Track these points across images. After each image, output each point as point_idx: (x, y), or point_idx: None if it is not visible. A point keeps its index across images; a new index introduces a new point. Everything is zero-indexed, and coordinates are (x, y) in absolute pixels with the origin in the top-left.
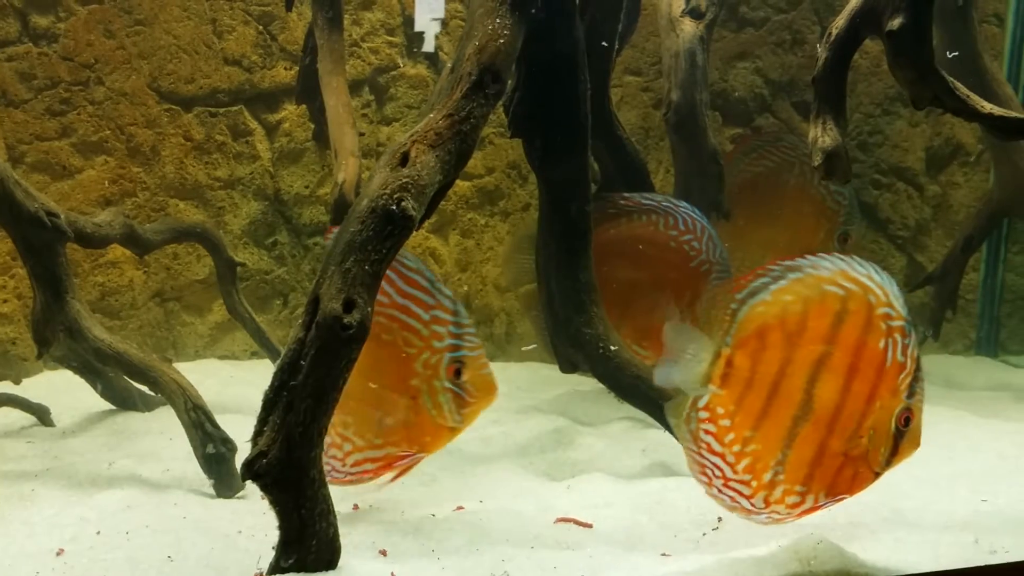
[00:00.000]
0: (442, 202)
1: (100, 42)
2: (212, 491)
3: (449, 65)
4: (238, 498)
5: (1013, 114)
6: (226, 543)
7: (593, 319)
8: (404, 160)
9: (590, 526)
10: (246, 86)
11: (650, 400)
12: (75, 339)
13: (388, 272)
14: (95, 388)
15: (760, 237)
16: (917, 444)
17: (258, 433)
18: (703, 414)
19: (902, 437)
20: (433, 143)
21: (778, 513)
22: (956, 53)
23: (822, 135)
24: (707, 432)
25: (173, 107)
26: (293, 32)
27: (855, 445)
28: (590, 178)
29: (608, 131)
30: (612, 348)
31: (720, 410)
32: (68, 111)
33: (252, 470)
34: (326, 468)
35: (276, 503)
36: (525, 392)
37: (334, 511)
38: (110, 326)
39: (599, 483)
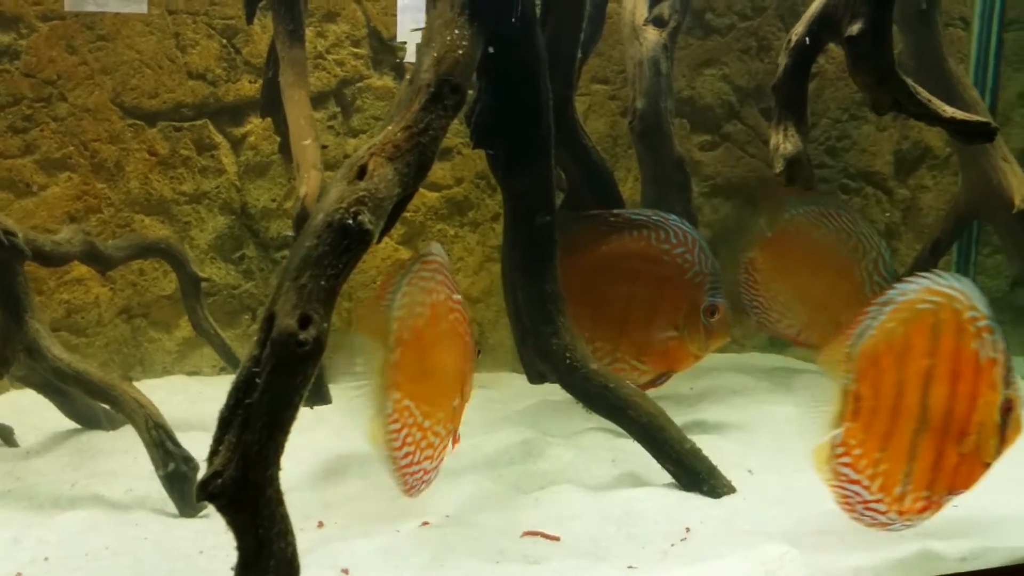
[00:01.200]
0: (411, 213)
1: (62, 58)
2: (175, 511)
3: (408, 77)
4: (201, 517)
5: (974, 118)
6: (187, 564)
7: (560, 329)
8: (361, 173)
9: (557, 539)
10: (210, 100)
11: (617, 410)
12: (34, 359)
13: (671, 230)
14: (59, 408)
15: (796, 289)
16: (1020, 429)
17: (214, 452)
18: (840, 450)
19: (1008, 425)
20: (391, 156)
21: (909, 519)
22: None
23: (783, 142)
24: (844, 464)
25: (137, 122)
26: (257, 45)
27: (967, 443)
28: (554, 188)
29: (573, 140)
30: (579, 358)
31: (852, 441)
32: (31, 128)
33: (207, 490)
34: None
35: (233, 524)
36: (497, 403)
37: (292, 530)
38: (76, 344)
39: (567, 495)
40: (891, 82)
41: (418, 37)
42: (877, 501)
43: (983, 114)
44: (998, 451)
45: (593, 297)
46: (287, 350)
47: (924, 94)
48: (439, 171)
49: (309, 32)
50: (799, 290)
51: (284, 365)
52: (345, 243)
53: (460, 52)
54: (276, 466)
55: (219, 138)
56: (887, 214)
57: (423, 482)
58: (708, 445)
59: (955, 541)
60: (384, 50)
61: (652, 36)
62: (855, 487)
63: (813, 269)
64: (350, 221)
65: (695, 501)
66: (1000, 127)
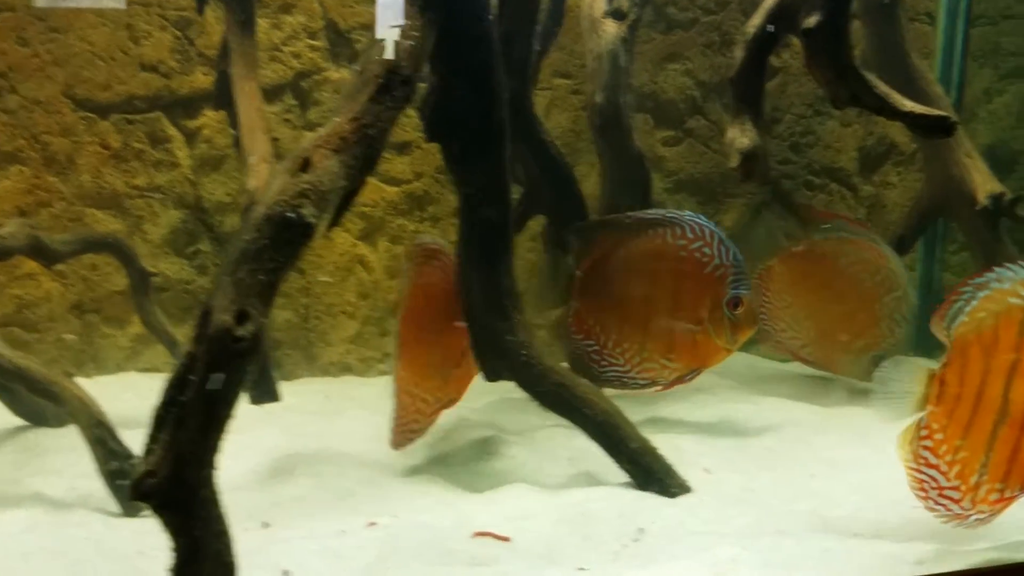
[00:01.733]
0: (369, 208)
1: (13, 50)
2: (118, 510)
3: (357, 68)
4: (143, 517)
5: (933, 112)
6: (125, 565)
7: (515, 326)
8: (305, 166)
9: (508, 540)
10: (164, 92)
11: (572, 408)
12: None
13: (687, 225)
14: (6, 404)
15: (809, 307)
16: None
17: (147, 451)
18: (923, 432)
19: None
20: (337, 148)
21: (983, 512)
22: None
23: (740, 136)
24: (925, 448)
25: (89, 115)
26: (211, 36)
27: None
28: (509, 183)
29: (531, 135)
30: (534, 355)
31: (935, 426)
32: None
33: (139, 490)
34: (616, 376)
35: (167, 524)
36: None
37: (229, 531)
38: (27, 340)
39: (521, 494)
40: (849, 76)
41: (396, 34)
42: (954, 488)
43: (946, 109)
44: None
45: (616, 301)
46: (223, 347)
47: (883, 88)
48: (398, 165)
49: (264, 24)
50: (812, 308)
51: (220, 362)
52: (286, 236)
53: (410, 43)
54: (211, 466)
55: (173, 131)
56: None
57: (408, 440)
58: (666, 443)
59: (913, 544)
60: (341, 42)
61: (611, 29)
62: (933, 472)
63: (831, 292)
64: (291, 214)
65: (650, 501)
66: (966, 123)
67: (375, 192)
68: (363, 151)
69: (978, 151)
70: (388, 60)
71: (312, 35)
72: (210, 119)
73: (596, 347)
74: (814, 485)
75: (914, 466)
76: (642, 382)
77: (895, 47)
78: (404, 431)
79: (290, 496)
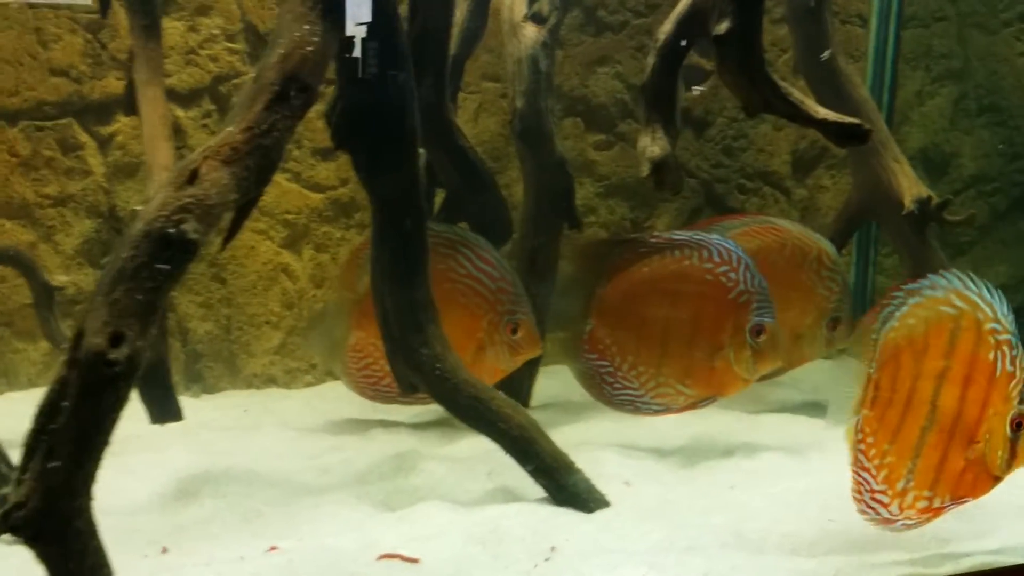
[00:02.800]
0: (294, 216)
1: None
2: (8, 537)
3: (252, 75)
4: None
5: (846, 119)
6: None
7: (430, 339)
8: (192, 178)
9: (416, 561)
10: (75, 98)
11: (487, 422)
12: None
13: (714, 249)
14: None
15: None
16: None
17: (18, 481)
18: (858, 435)
19: (1019, 441)
20: (228, 159)
21: (910, 519)
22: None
23: (651, 144)
24: (860, 451)
25: None
26: (124, 40)
27: (973, 450)
28: (422, 191)
29: (448, 141)
30: (449, 369)
31: (867, 429)
32: None
33: (8, 522)
34: (629, 400)
35: (41, 557)
36: (381, 412)
37: (108, 563)
38: None
39: (434, 512)
40: (761, 82)
41: (363, 33)
42: (881, 492)
43: (873, 113)
44: (1008, 466)
45: (635, 322)
46: (95, 371)
47: (796, 94)
48: (323, 171)
49: (180, 26)
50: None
51: (92, 387)
52: (166, 254)
53: (309, 49)
54: (87, 495)
55: (85, 138)
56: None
57: (372, 397)
58: (588, 456)
59: (828, 558)
60: (261, 45)
61: (531, 33)
62: (865, 474)
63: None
64: (171, 230)
65: (565, 517)
66: (898, 126)
67: (299, 199)
68: (257, 162)
69: (911, 154)
70: (284, 66)
71: (230, 38)
72: (124, 125)
73: (610, 368)
74: (733, 496)
75: (853, 467)
76: (656, 407)
77: (822, 50)
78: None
79: (194, 519)
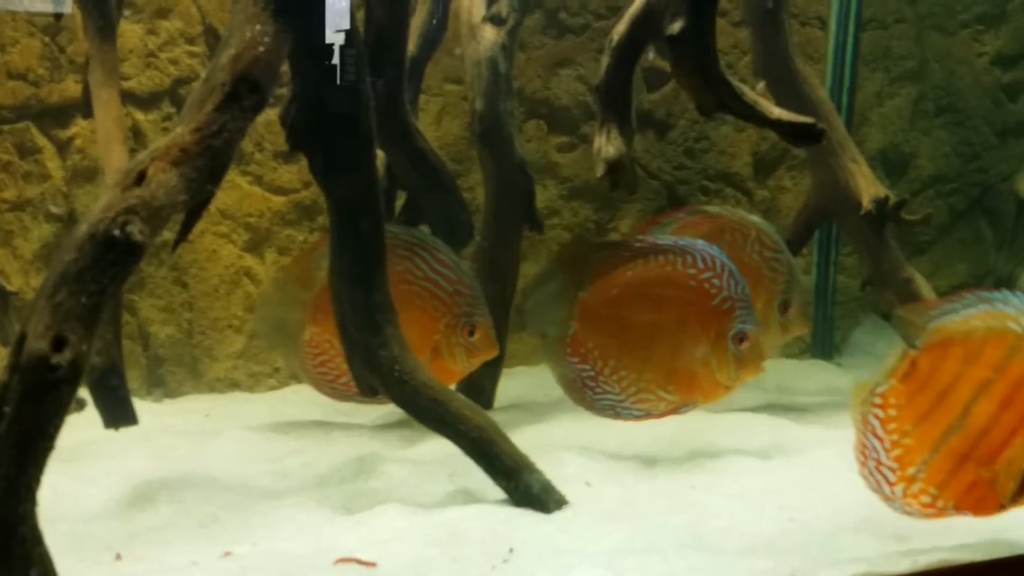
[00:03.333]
0: (256, 219)
1: None
2: None
3: (203, 75)
4: None
5: (800, 119)
6: None
7: (388, 340)
8: (140, 179)
9: (374, 565)
10: (32, 101)
11: (447, 424)
12: None
13: (698, 255)
14: None
15: None
16: None
17: None
18: (877, 400)
19: None
20: (177, 160)
21: (909, 507)
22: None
23: (606, 145)
24: (875, 416)
25: None
26: (83, 43)
27: (988, 470)
28: (380, 192)
29: (407, 143)
30: (408, 370)
31: (892, 400)
32: None
33: None
34: (610, 405)
35: None
36: (343, 415)
37: (54, 571)
38: None
39: (394, 515)
40: (715, 83)
41: (341, 39)
42: (890, 468)
43: (829, 114)
44: (1015, 500)
45: (618, 326)
46: (37, 376)
47: (751, 95)
48: (285, 174)
49: (139, 29)
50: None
51: (34, 393)
52: (110, 256)
53: (261, 49)
54: (30, 502)
55: (43, 141)
56: None
57: (329, 394)
58: (549, 457)
59: (786, 557)
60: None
61: (490, 35)
62: (876, 442)
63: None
64: (116, 232)
65: (525, 518)
66: (857, 127)
67: (261, 202)
68: (207, 163)
69: (870, 155)
70: (235, 66)
71: (190, 40)
72: (83, 129)
73: (592, 373)
74: (693, 496)
75: (861, 428)
76: (636, 412)
77: (780, 52)
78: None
79: (149, 525)
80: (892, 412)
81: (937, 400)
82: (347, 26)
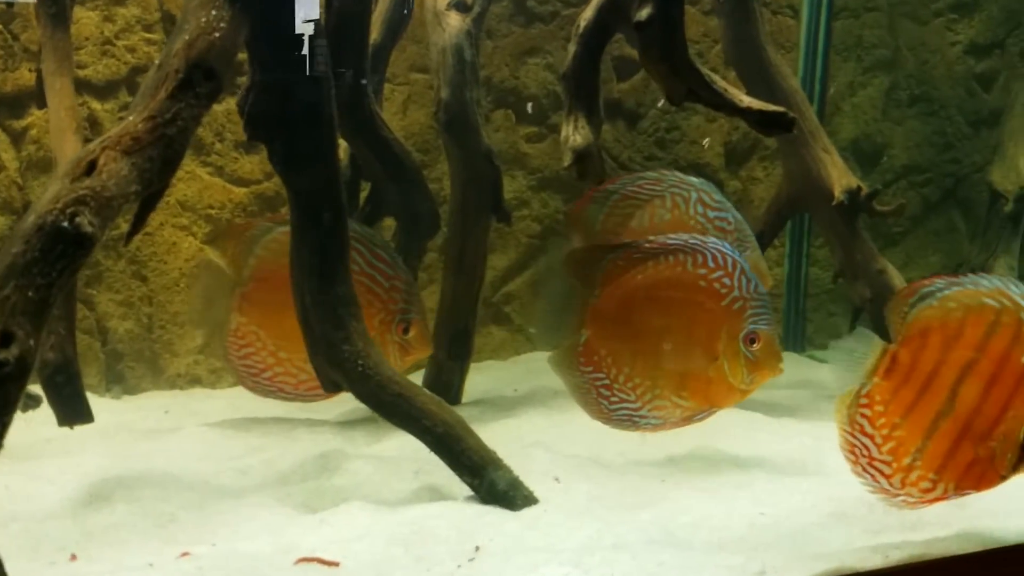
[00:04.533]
0: (216, 211)
1: None
2: None
3: (156, 62)
4: None
5: (771, 107)
6: None
7: (352, 335)
8: (90, 169)
9: (336, 565)
10: None
11: (412, 419)
12: None
13: (709, 253)
14: None
15: None
16: None
17: None
18: (863, 400)
19: None
20: (128, 149)
21: (911, 496)
22: None
23: (573, 134)
24: (862, 416)
25: None
26: (38, 31)
27: (985, 447)
28: (342, 183)
29: (371, 132)
30: (372, 365)
31: (878, 397)
32: None
33: None
34: (627, 415)
35: None
36: (306, 411)
37: (4, 572)
38: None
39: (357, 513)
40: (684, 71)
41: (311, 29)
42: (885, 463)
43: (801, 103)
44: (1014, 468)
45: (630, 330)
46: None
47: (720, 83)
48: (247, 165)
49: (95, 16)
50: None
51: None
52: (59, 248)
53: (216, 35)
54: None
55: None
56: None
57: (252, 388)
58: (518, 452)
59: (756, 553)
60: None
61: (455, 22)
62: (866, 440)
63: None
64: (65, 223)
65: (492, 515)
66: (830, 117)
67: (222, 194)
68: (160, 152)
69: (843, 145)
70: (189, 53)
71: (148, 28)
72: (38, 119)
73: (607, 381)
74: (663, 491)
75: (848, 430)
76: (654, 421)
77: (750, 40)
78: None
79: (105, 524)
80: (879, 408)
81: (923, 388)
82: (316, 15)
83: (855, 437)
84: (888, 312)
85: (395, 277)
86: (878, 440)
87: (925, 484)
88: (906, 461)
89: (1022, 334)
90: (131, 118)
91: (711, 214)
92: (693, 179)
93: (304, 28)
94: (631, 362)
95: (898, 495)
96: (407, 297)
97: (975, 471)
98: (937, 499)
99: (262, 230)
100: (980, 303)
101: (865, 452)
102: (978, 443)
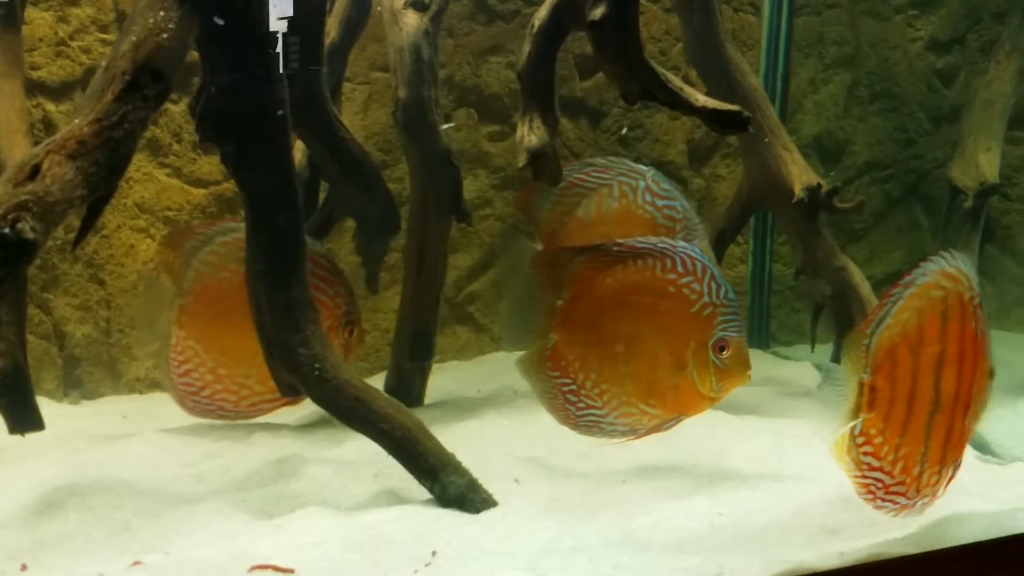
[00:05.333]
0: (175, 213)
1: None
2: None
3: (103, 64)
4: None
5: (726, 106)
6: None
7: (309, 338)
8: (34, 173)
9: (292, 572)
10: None
11: (369, 423)
12: None
13: (678, 258)
14: None
15: None
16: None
17: None
18: (860, 439)
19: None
20: (74, 153)
21: (926, 496)
22: None
23: (528, 134)
24: (866, 454)
25: None
26: None
27: (971, 415)
28: (296, 184)
29: (327, 132)
30: (329, 369)
31: (873, 431)
32: None
33: None
34: (594, 421)
35: None
36: (266, 416)
37: None
38: None
39: (314, 518)
40: (639, 69)
41: (284, 27)
42: (899, 484)
43: (761, 101)
44: (978, 418)
45: (599, 335)
46: None
47: (676, 82)
48: (205, 166)
49: (49, 17)
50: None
51: None
52: (1, 255)
53: (165, 36)
54: None
55: None
56: None
57: (191, 409)
58: (477, 454)
59: (714, 555)
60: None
61: (412, 21)
62: (877, 474)
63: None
64: (7, 229)
65: (450, 519)
66: (792, 114)
67: (180, 195)
68: (107, 156)
69: (805, 142)
70: (137, 55)
71: (103, 28)
72: None
73: (574, 387)
74: (623, 492)
75: (857, 473)
76: (621, 428)
77: (711, 38)
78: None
79: (58, 533)
80: (879, 440)
81: (909, 401)
82: (290, 13)
83: (867, 477)
84: (847, 350)
85: (337, 282)
86: (887, 468)
87: (934, 477)
88: (916, 471)
89: (965, 304)
90: (77, 121)
91: (659, 203)
92: (642, 167)
93: (258, 28)
94: (599, 368)
95: (916, 502)
96: (349, 300)
97: (965, 438)
98: (949, 481)
99: (201, 240)
100: (929, 300)
101: (880, 485)
102: (966, 415)
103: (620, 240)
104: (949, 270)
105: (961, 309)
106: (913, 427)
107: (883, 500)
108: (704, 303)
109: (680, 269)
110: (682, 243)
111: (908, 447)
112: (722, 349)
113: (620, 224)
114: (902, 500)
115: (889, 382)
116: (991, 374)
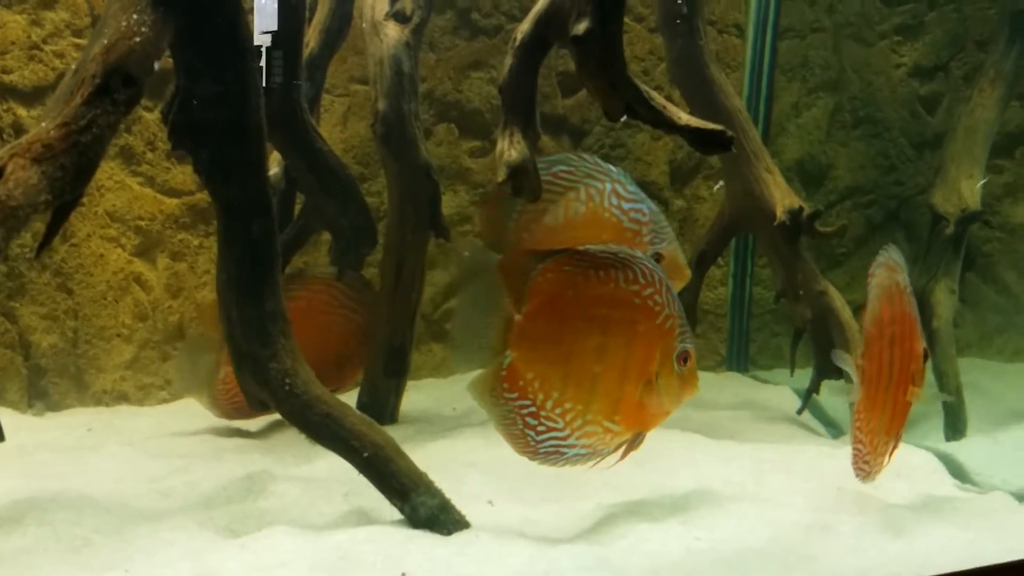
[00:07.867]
0: (147, 222)
1: None
2: None
3: (72, 67)
4: None
5: (709, 125)
6: None
7: (279, 352)
8: None
9: None
10: None
11: (340, 440)
12: None
13: (638, 269)
14: None
15: None
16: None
17: None
18: (855, 416)
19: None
20: (39, 157)
21: (880, 464)
22: None
23: (508, 148)
24: (857, 428)
25: None
26: None
27: (912, 392)
28: (270, 194)
29: (304, 143)
30: (300, 384)
31: (861, 409)
32: None
33: None
34: (554, 446)
35: None
36: (234, 427)
37: None
38: None
39: (281, 538)
40: (622, 87)
41: (268, 41)
42: (868, 454)
43: (744, 123)
44: (916, 396)
45: (560, 352)
46: None
47: (659, 100)
48: (179, 175)
49: (22, 20)
50: None
51: None
52: None
53: (137, 40)
54: None
55: None
56: None
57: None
58: (451, 474)
59: None
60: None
61: (393, 33)
62: (860, 446)
63: None
64: None
65: (421, 540)
66: (775, 137)
67: (153, 204)
68: (73, 161)
69: (787, 165)
70: (108, 58)
71: (77, 32)
72: None
73: (533, 409)
74: (599, 514)
75: (853, 445)
76: (582, 451)
77: (694, 59)
78: None
79: (16, 548)
80: (864, 415)
81: (887, 380)
82: (275, 26)
83: (855, 448)
84: (840, 362)
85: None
86: (865, 441)
87: (889, 447)
88: (878, 444)
89: (903, 290)
90: (44, 124)
91: (626, 206)
92: (611, 167)
93: (233, 33)
94: (562, 386)
95: (878, 469)
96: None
97: (903, 413)
98: (894, 450)
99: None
100: (884, 287)
101: (861, 455)
102: (907, 391)
103: (582, 248)
104: (890, 263)
105: (900, 295)
106: (879, 403)
107: (859, 468)
108: (667, 314)
109: (642, 280)
110: (639, 252)
111: (876, 421)
112: (685, 360)
113: (587, 229)
114: (868, 468)
115: (871, 363)
116: (926, 356)
